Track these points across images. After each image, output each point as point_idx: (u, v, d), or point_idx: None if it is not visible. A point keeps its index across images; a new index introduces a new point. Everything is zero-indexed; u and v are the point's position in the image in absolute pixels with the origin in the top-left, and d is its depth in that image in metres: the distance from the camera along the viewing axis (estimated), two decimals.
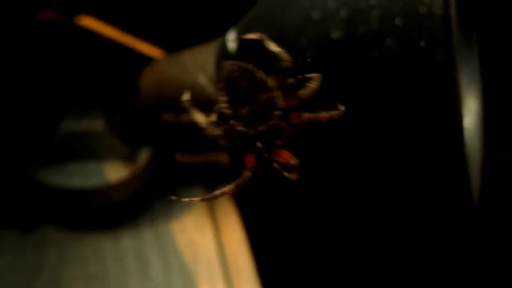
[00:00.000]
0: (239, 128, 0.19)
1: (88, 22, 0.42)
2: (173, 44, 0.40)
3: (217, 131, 0.20)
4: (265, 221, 0.46)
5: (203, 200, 0.20)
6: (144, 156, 0.41)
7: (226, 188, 0.19)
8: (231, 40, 0.31)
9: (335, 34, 0.23)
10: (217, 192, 0.20)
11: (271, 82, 0.19)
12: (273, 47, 0.20)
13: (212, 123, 0.20)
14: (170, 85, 0.36)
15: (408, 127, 0.20)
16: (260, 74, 0.19)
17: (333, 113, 0.19)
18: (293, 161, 0.19)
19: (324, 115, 0.19)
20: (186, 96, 0.21)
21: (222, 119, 0.19)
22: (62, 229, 0.39)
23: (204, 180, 0.46)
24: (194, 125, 0.47)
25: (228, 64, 0.19)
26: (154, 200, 0.42)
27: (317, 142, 0.23)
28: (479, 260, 0.37)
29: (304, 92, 0.19)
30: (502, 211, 0.39)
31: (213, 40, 0.35)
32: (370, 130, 0.22)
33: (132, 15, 0.42)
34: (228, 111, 0.19)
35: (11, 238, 0.38)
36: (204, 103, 0.36)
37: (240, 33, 0.30)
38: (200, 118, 0.20)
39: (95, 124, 0.41)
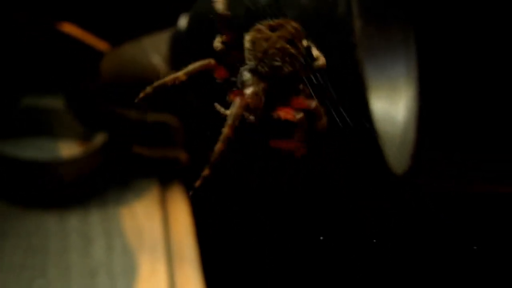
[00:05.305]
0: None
1: (62, 25, 0.43)
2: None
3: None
4: (215, 212, 0.47)
5: None
6: (100, 138, 0.42)
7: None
8: (183, 19, 0.32)
9: None
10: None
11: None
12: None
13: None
14: (127, 66, 0.38)
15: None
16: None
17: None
18: (313, 103, 0.19)
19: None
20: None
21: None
22: (8, 201, 0.39)
23: (160, 174, 0.46)
24: (157, 123, 0.48)
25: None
26: (106, 184, 0.43)
27: None
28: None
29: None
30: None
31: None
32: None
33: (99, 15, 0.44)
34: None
35: None
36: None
37: (191, 14, 0.32)
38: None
39: (54, 102, 0.42)
